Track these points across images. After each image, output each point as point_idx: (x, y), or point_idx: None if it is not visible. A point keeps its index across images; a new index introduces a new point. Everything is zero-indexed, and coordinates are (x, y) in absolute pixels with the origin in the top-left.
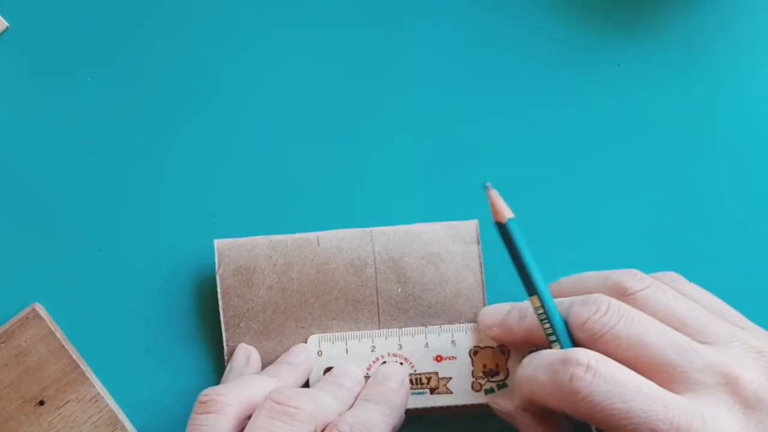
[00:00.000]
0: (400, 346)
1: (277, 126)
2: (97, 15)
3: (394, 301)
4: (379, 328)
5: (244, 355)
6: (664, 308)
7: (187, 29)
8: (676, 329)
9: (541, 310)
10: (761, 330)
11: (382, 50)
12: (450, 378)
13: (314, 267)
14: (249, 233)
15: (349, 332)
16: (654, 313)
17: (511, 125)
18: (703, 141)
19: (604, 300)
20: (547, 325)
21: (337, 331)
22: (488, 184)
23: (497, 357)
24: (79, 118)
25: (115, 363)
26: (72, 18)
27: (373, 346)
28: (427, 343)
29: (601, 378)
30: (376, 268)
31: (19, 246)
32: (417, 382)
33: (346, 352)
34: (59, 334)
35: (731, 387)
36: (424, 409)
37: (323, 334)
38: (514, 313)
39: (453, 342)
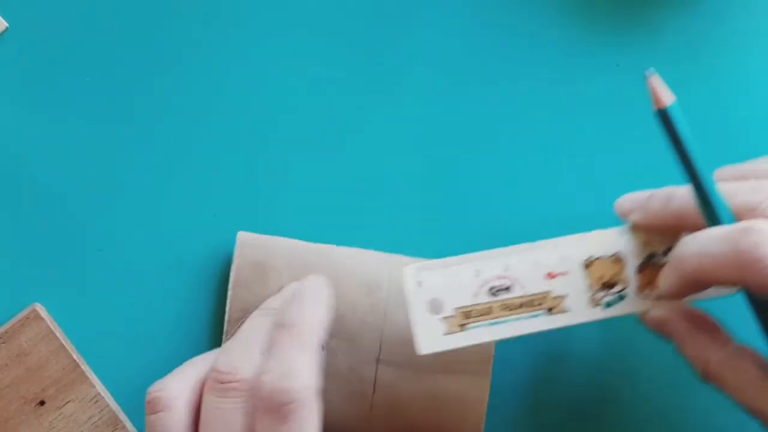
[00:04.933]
0: (507, 268)
1: (279, 126)
2: (97, 15)
3: (400, 329)
4: (379, 356)
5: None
6: None
7: (188, 29)
8: None
9: (706, 198)
10: None
11: (383, 54)
12: (565, 296)
13: (329, 279)
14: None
15: (449, 258)
16: None
17: (511, 125)
18: (703, 141)
19: None
20: (710, 210)
21: (331, 348)
22: (649, 70)
23: (613, 267)
24: (79, 118)
25: (115, 363)
26: (71, 18)
27: (477, 270)
28: (536, 261)
29: None
30: (389, 293)
31: (20, 246)
32: (531, 303)
33: (450, 279)
34: (59, 334)
35: None
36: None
37: (420, 264)
38: (658, 196)
39: (563, 257)
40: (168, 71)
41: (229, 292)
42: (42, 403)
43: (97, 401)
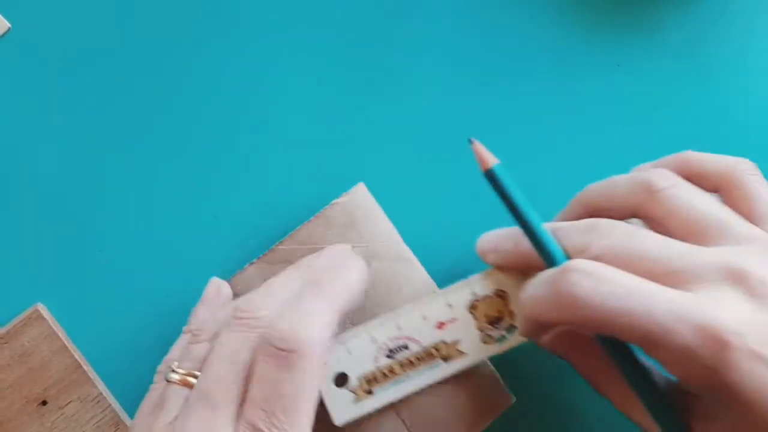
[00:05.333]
0: (399, 328)
1: (278, 127)
2: (99, 15)
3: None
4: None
5: (215, 287)
6: (688, 209)
7: (189, 30)
8: (694, 231)
9: (540, 245)
10: None
11: (383, 55)
12: (459, 340)
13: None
14: (249, 233)
15: (345, 334)
16: (677, 213)
17: (511, 125)
18: (703, 141)
19: (603, 223)
20: (546, 256)
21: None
22: (472, 138)
23: (497, 304)
24: (81, 118)
25: (117, 363)
26: (73, 19)
27: (373, 338)
28: (424, 316)
29: (601, 281)
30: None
31: (22, 247)
32: (428, 356)
33: (349, 353)
34: (62, 334)
35: (736, 279)
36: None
37: None
38: (510, 237)
39: (449, 305)
40: (169, 71)
41: (306, 225)
42: (44, 403)
43: (99, 401)
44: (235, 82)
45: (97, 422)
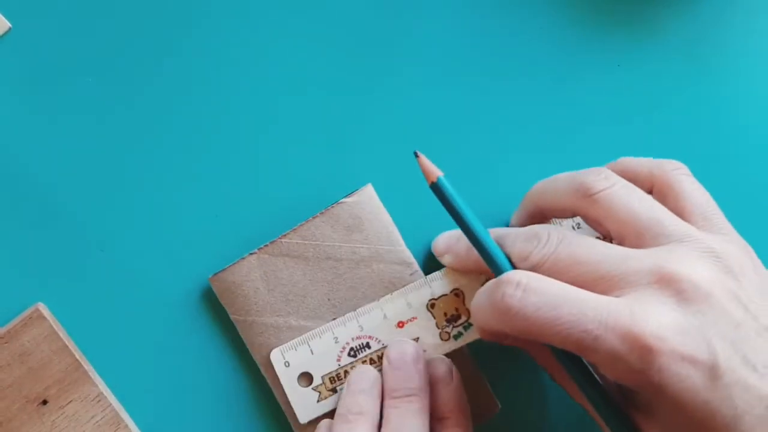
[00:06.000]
0: (361, 328)
1: (279, 127)
2: (99, 16)
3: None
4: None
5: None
6: (625, 209)
7: (189, 31)
8: (630, 232)
9: (485, 254)
10: (738, 238)
11: (383, 57)
12: (417, 338)
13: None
14: (249, 232)
15: (308, 333)
16: (615, 214)
17: (511, 125)
18: (703, 141)
19: (543, 232)
20: (492, 265)
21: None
22: (417, 151)
23: (454, 302)
24: (81, 118)
25: (117, 362)
26: (74, 19)
27: (336, 337)
28: (384, 315)
29: (531, 292)
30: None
31: (22, 246)
32: None
33: (312, 353)
34: (62, 333)
35: (665, 283)
36: None
37: (283, 345)
38: (463, 241)
39: (408, 304)
40: (170, 72)
41: (311, 221)
42: (44, 402)
43: (99, 401)
44: (236, 82)
45: (97, 422)
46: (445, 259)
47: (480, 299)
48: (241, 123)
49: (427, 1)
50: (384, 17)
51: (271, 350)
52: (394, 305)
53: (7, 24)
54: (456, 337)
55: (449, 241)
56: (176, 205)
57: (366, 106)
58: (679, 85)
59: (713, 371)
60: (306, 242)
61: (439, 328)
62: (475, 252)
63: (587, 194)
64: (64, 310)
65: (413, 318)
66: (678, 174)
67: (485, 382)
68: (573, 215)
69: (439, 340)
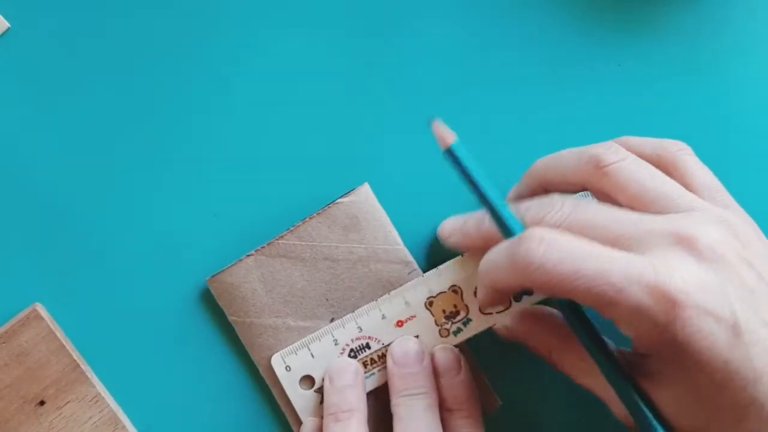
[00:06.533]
0: (360, 329)
1: (274, 127)
2: (99, 16)
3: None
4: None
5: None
6: (635, 182)
7: (190, 30)
8: (643, 202)
9: (499, 218)
10: (742, 212)
11: (386, 59)
12: (417, 336)
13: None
14: (246, 234)
15: (308, 336)
16: (626, 185)
17: (511, 125)
18: (703, 141)
19: (558, 198)
20: (503, 227)
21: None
22: (431, 119)
23: (452, 299)
24: (81, 119)
25: (115, 363)
26: (73, 19)
27: (335, 340)
28: (383, 315)
29: (554, 247)
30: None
31: (20, 246)
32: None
33: (312, 356)
34: (60, 334)
35: (684, 243)
36: None
37: (284, 350)
38: (472, 220)
39: (406, 303)
40: (170, 71)
41: (308, 221)
42: (42, 403)
43: (97, 401)
44: (236, 82)
45: (95, 422)
46: (451, 240)
47: (495, 256)
48: (236, 124)
49: (421, 2)
50: (380, 15)
51: (270, 351)
52: (392, 305)
53: (6, 24)
54: (455, 333)
55: (455, 223)
56: (175, 204)
57: (361, 104)
58: (679, 85)
59: (735, 329)
60: (303, 243)
61: (438, 326)
62: (483, 229)
63: (599, 166)
64: (62, 310)
65: (412, 317)
66: (683, 154)
67: (485, 378)
68: (581, 189)
69: (438, 337)
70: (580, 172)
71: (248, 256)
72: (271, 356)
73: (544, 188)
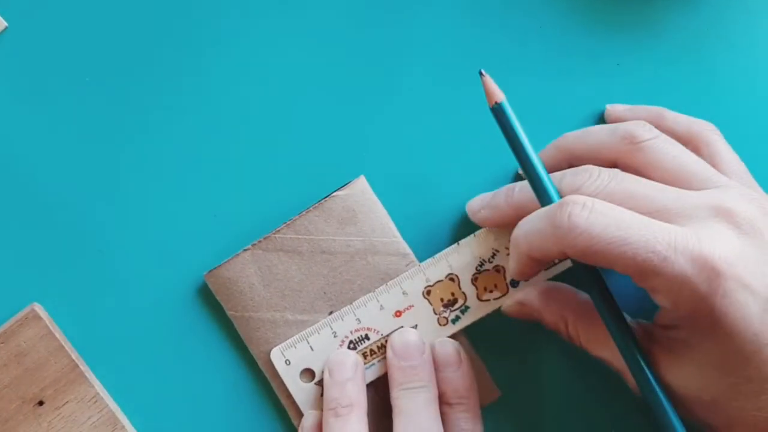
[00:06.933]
0: (359, 320)
1: (268, 121)
2: (97, 14)
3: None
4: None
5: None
6: (671, 158)
7: (188, 30)
8: (678, 179)
9: (537, 183)
10: (766, 195)
11: (380, 51)
12: (416, 325)
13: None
14: (243, 228)
15: (306, 329)
16: (660, 162)
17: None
18: None
19: (594, 168)
20: (542, 192)
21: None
22: (482, 70)
23: (450, 287)
24: (79, 117)
25: (114, 363)
26: (71, 17)
27: (334, 332)
28: (381, 305)
29: (598, 213)
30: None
31: (19, 246)
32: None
33: (311, 349)
34: (58, 334)
35: (724, 216)
36: None
37: (283, 344)
38: (501, 192)
39: (404, 293)
40: (168, 71)
41: (304, 215)
42: (41, 403)
43: (96, 401)
44: (235, 81)
45: (94, 422)
46: (480, 214)
47: (534, 222)
48: (231, 119)
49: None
50: (376, 9)
51: (268, 345)
52: (389, 295)
53: (4, 23)
54: (454, 321)
55: (484, 198)
56: (174, 205)
57: (356, 97)
58: (679, 85)
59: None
60: (300, 237)
61: (436, 314)
62: (514, 199)
63: (634, 142)
64: (61, 310)
65: (410, 306)
66: (713, 134)
67: (485, 368)
68: (610, 165)
69: (437, 326)
70: (613, 147)
71: (245, 250)
72: (270, 350)
73: (569, 162)
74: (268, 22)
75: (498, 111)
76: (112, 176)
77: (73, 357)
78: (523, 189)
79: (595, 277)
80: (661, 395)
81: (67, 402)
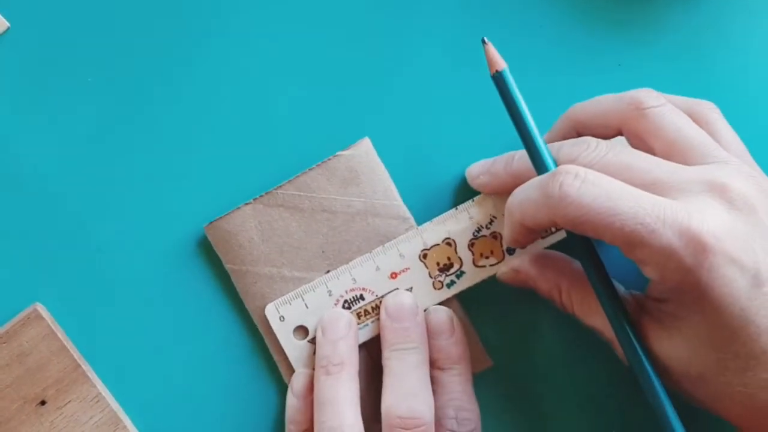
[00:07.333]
0: (354, 280)
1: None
2: (98, 15)
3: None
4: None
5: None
6: (675, 128)
7: (187, 29)
8: (678, 149)
9: (534, 151)
10: (765, 176)
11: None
12: (411, 288)
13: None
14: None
15: (302, 287)
16: (663, 131)
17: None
18: None
19: (593, 139)
20: (538, 161)
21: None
22: (485, 38)
23: (446, 251)
24: (79, 117)
25: (116, 363)
26: (73, 18)
27: (329, 290)
28: (377, 266)
29: (590, 183)
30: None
31: (20, 246)
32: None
33: (306, 306)
34: (60, 334)
35: (717, 191)
36: None
37: (278, 300)
38: (501, 159)
39: (401, 255)
40: (169, 71)
41: (307, 173)
42: (43, 403)
43: (98, 401)
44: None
45: (96, 422)
46: (479, 180)
47: (527, 191)
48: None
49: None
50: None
51: (264, 300)
52: (386, 256)
53: (6, 23)
54: (449, 285)
55: (483, 164)
56: (175, 205)
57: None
58: (679, 85)
59: (756, 279)
60: (301, 194)
61: (431, 278)
62: (513, 167)
63: (639, 107)
64: (63, 310)
65: (406, 269)
66: (713, 112)
67: (476, 336)
68: (615, 133)
69: (432, 290)
70: (619, 113)
71: (246, 204)
72: (266, 305)
73: (577, 131)
74: (264, 29)
75: (499, 79)
76: (114, 176)
77: (75, 357)
78: (522, 157)
79: (587, 247)
80: (648, 366)
81: (69, 402)
